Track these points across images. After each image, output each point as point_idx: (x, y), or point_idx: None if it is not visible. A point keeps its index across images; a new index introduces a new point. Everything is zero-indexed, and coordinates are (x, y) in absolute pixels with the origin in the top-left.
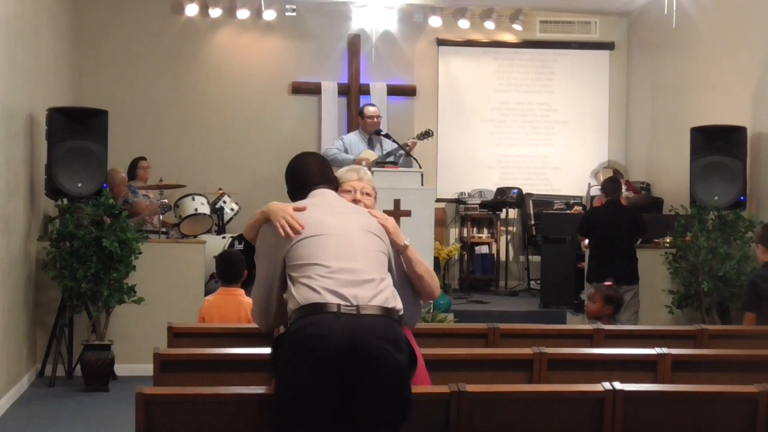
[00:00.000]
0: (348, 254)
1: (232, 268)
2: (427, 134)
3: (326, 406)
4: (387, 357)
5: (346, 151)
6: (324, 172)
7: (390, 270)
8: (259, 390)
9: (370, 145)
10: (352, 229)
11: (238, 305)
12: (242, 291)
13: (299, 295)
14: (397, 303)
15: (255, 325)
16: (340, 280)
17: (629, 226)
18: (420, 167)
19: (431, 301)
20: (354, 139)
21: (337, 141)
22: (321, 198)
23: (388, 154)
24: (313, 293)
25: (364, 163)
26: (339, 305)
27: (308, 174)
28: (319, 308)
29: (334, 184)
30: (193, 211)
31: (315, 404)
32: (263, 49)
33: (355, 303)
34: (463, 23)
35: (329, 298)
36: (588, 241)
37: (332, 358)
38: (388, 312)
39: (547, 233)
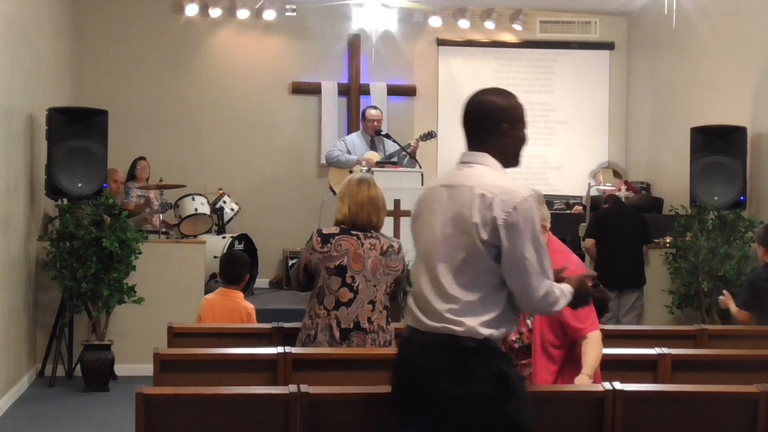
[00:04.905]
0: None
1: (234, 269)
2: (429, 135)
3: None
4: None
5: (349, 153)
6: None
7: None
8: (259, 390)
9: (373, 146)
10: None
11: (233, 307)
12: (241, 294)
13: None
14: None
15: (255, 325)
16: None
17: (636, 230)
18: (420, 167)
19: None
20: (356, 140)
21: (339, 142)
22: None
23: (390, 155)
24: None
25: (364, 163)
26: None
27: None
28: None
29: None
30: (193, 211)
31: None
32: (263, 49)
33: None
34: (463, 23)
35: None
36: (588, 241)
37: None
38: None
39: None
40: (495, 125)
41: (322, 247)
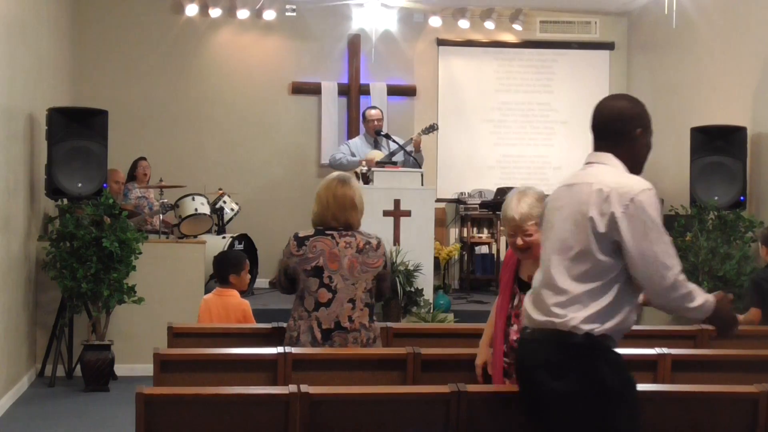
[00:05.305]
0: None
1: (220, 269)
2: (432, 128)
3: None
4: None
5: (353, 155)
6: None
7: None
8: (259, 390)
9: (377, 146)
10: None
11: (228, 305)
12: (234, 292)
13: None
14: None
15: (254, 325)
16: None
17: None
18: (420, 167)
19: (431, 302)
20: (359, 142)
21: (343, 146)
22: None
23: (393, 153)
24: None
25: (365, 162)
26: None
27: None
28: None
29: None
30: (193, 211)
31: None
32: (263, 49)
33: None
34: (463, 23)
35: None
36: None
37: None
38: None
39: None
40: (629, 130)
41: (297, 251)
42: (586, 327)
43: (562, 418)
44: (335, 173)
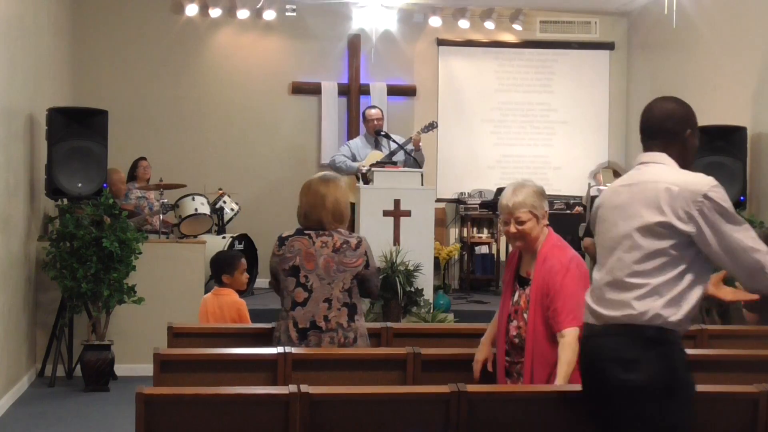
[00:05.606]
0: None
1: (214, 269)
2: (431, 126)
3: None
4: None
5: (354, 157)
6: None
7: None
8: (259, 390)
9: (377, 146)
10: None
11: (224, 304)
12: (231, 291)
13: None
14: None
15: (254, 325)
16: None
17: None
18: (421, 166)
19: (431, 302)
20: (359, 143)
21: (344, 147)
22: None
23: (392, 153)
24: None
25: (365, 164)
26: None
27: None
28: None
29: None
30: (193, 211)
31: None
32: (263, 49)
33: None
34: (463, 23)
35: None
36: (587, 240)
37: None
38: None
39: None
40: (679, 131)
41: (278, 250)
42: (661, 319)
43: (632, 412)
44: (318, 174)
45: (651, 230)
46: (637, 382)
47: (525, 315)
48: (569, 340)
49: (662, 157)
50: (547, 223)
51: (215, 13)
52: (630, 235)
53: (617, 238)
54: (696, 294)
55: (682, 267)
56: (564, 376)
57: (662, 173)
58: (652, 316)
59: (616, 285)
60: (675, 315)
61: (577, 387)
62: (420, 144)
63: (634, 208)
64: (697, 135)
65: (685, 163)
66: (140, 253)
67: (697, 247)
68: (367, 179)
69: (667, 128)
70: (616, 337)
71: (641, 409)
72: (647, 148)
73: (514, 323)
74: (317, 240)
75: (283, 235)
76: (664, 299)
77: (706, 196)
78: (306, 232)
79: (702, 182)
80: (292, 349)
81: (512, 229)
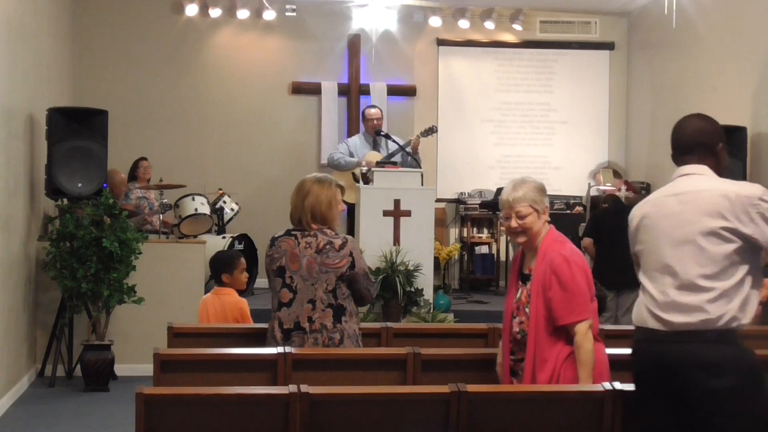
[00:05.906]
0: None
1: (214, 270)
2: (431, 131)
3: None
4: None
5: (351, 155)
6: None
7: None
8: (259, 390)
9: (375, 146)
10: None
11: (224, 305)
12: (232, 291)
13: None
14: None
15: (254, 325)
16: None
17: None
18: (420, 167)
19: (431, 302)
20: (358, 141)
21: (342, 145)
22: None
23: (392, 154)
24: None
25: (364, 162)
26: None
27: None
28: None
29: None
30: (193, 211)
31: None
32: (263, 49)
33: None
34: (463, 23)
35: None
36: (586, 240)
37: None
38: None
39: None
40: (712, 145)
41: (269, 251)
42: (736, 322)
43: (726, 415)
44: (310, 175)
45: (717, 235)
46: (726, 385)
47: (527, 309)
48: (581, 337)
49: (703, 168)
50: (548, 219)
51: (215, 13)
52: (693, 240)
53: (676, 244)
54: (756, 296)
55: (744, 270)
56: (587, 375)
57: (710, 183)
58: (729, 319)
59: (686, 288)
60: (746, 317)
61: (576, 387)
62: (418, 148)
63: (689, 215)
64: (726, 148)
65: (718, 174)
66: (140, 253)
67: (754, 251)
68: (367, 179)
69: (701, 142)
70: (696, 344)
71: (736, 411)
72: (683, 161)
73: (517, 319)
74: (302, 240)
75: (276, 236)
76: (736, 302)
77: (762, 199)
78: (293, 232)
79: (752, 188)
80: (292, 349)
81: (513, 223)
